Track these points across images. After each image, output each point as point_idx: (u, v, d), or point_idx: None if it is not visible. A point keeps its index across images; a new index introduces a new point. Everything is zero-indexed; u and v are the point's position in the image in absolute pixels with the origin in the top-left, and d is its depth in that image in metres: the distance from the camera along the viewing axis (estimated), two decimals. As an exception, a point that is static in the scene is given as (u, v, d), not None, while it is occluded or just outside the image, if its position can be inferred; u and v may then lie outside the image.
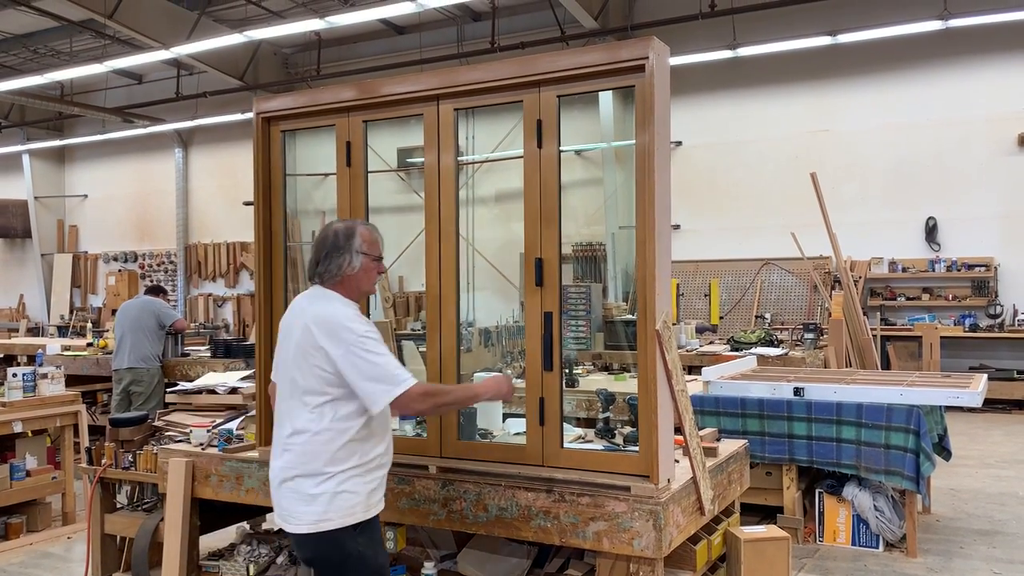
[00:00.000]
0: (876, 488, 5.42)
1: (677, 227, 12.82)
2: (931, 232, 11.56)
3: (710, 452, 3.72)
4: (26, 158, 18.94)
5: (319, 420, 2.87)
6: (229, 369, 6.94)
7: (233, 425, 4.41)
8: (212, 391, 4.92)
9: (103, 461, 4.57)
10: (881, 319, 11.53)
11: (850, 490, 5.42)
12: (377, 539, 3.04)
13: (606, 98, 12.35)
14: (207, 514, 4.21)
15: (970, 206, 11.34)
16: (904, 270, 11.67)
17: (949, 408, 5.91)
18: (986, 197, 11.26)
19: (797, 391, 5.50)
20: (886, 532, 5.33)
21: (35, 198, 19.18)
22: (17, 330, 16.38)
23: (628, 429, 4.06)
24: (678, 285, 10.08)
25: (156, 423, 4.78)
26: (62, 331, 14.98)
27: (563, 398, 3.42)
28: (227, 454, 4.01)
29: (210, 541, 4.70)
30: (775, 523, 5.56)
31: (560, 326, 3.40)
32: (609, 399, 4.23)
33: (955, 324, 11.31)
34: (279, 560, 4.17)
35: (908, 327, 11.42)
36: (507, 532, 3.34)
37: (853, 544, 5.43)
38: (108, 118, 16.35)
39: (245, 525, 4.94)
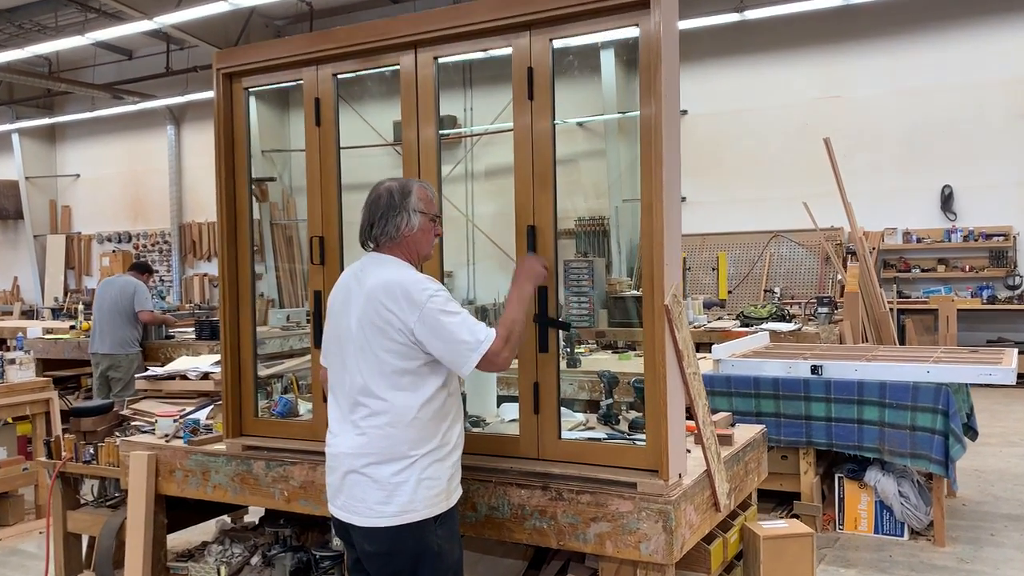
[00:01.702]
0: (900, 472, 5.05)
1: (683, 199, 12.36)
2: (947, 201, 11.13)
3: (725, 440, 3.35)
4: (16, 137, 18.52)
5: (399, 397, 2.59)
6: (215, 352, 6.57)
7: (202, 415, 4.05)
8: (184, 377, 4.55)
9: (63, 454, 4.21)
10: (895, 292, 11.13)
11: (872, 475, 5.05)
12: (455, 532, 2.73)
13: (608, 66, 11.90)
14: (181, 509, 3.87)
15: (987, 173, 10.89)
16: (919, 240, 11.25)
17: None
18: (1004, 164, 10.81)
19: (815, 369, 5.12)
20: (912, 520, 4.97)
21: (26, 178, 18.78)
22: (11, 313, 16.07)
23: (633, 414, 3.69)
24: (685, 259, 9.67)
25: (123, 412, 4.42)
26: (56, 313, 14.66)
27: (560, 383, 3.05)
28: (192, 447, 3.65)
29: (192, 535, 4.38)
30: (791, 510, 5.21)
31: (557, 301, 3.02)
32: (612, 381, 3.86)
33: (972, 296, 10.91)
34: (253, 561, 3.82)
35: (923, 300, 11.02)
36: (498, 534, 2.98)
37: (876, 532, 5.07)
38: (97, 95, 15.93)
39: (226, 519, 4.61)
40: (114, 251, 18.13)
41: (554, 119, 2.99)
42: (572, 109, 11.90)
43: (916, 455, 4.83)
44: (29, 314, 15.99)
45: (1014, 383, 4.80)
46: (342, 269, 3.34)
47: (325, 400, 2.96)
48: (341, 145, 3.41)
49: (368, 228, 2.76)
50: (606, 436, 3.39)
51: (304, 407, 3.97)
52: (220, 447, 3.60)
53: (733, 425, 3.72)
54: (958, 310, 10.54)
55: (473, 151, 12.54)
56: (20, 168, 18.73)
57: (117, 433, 4.20)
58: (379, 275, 2.65)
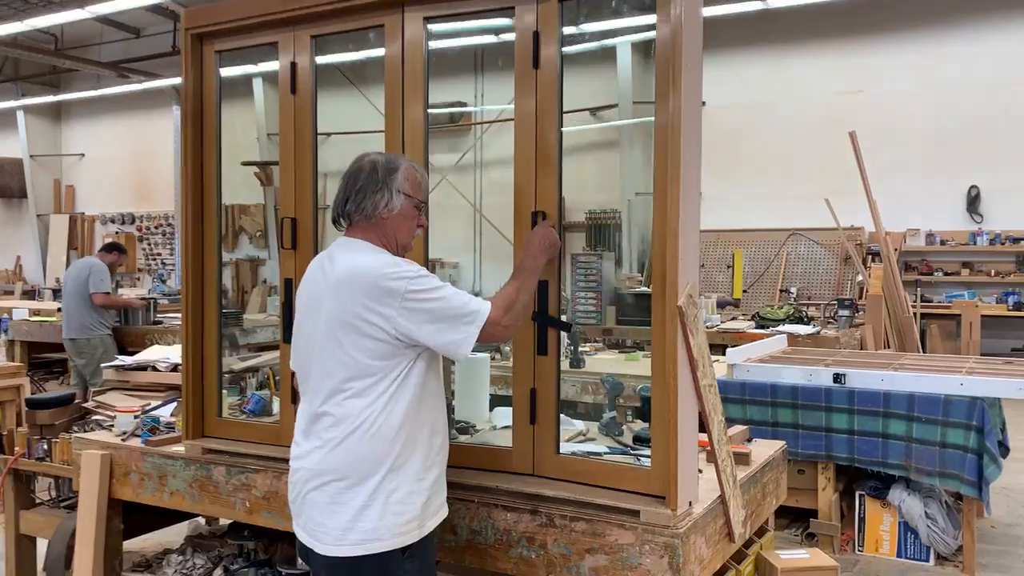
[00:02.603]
0: (927, 492, 4.66)
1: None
2: (973, 202, 10.66)
3: (742, 459, 2.97)
4: (20, 115, 18.22)
5: (368, 406, 2.23)
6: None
7: (166, 411, 3.71)
8: (154, 368, 4.21)
9: (16, 449, 3.87)
10: (917, 295, 10.69)
11: (897, 494, 4.67)
12: (429, 566, 2.38)
13: (624, 55, 11.49)
14: (152, 511, 3.51)
15: (1017, 175, 10.41)
16: (942, 243, 10.79)
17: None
18: (1035, 165, 10.34)
19: (837, 378, 4.73)
20: (939, 544, 4.58)
21: (31, 156, 18.49)
22: (12, 292, 15.82)
23: (639, 424, 3.33)
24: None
25: (86, 404, 4.07)
26: (56, 294, 14.41)
27: (560, 389, 2.68)
28: (149, 447, 3.30)
29: (168, 537, 4.05)
30: (807, 528, 4.84)
31: (559, 299, 2.66)
32: (616, 389, 3.49)
33: (997, 302, 10.46)
34: (215, 574, 3.47)
35: (946, 304, 10.57)
36: (480, 562, 2.61)
37: (899, 556, 4.69)
38: (103, 73, 15.61)
39: (200, 520, 4.27)
40: (117, 232, 17.83)
41: (561, 93, 2.62)
42: (586, 97, 11.52)
43: (946, 474, 4.44)
44: (31, 294, 15.72)
45: (1056, 400, 4.39)
46: (315, 252, 2.98)
47: (295, 402, 2.62)
48: (344, 129, 3.07)
49: (342, 203, 2.39)
50: (607, 450, 3.03)
51: (278, 404, 3.62)
52: (179, 449, 3.25)
53: (750, 440, 3.35)
54: (982, 316, 10.10)
55: (483, 139, 12.18)
56: (25, 146, 18.44)
57: (76, 428, 3.86)
58: (346, 264, 2.28)
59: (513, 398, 2.71)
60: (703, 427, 2.58)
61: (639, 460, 2.77)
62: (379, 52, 2.89)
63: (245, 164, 14.98)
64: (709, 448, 2.56)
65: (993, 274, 10.55)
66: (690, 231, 2.39)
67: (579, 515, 2.44)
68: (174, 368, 4.11)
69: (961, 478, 4.39)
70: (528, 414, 2.65)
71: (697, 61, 2.45)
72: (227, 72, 3.42)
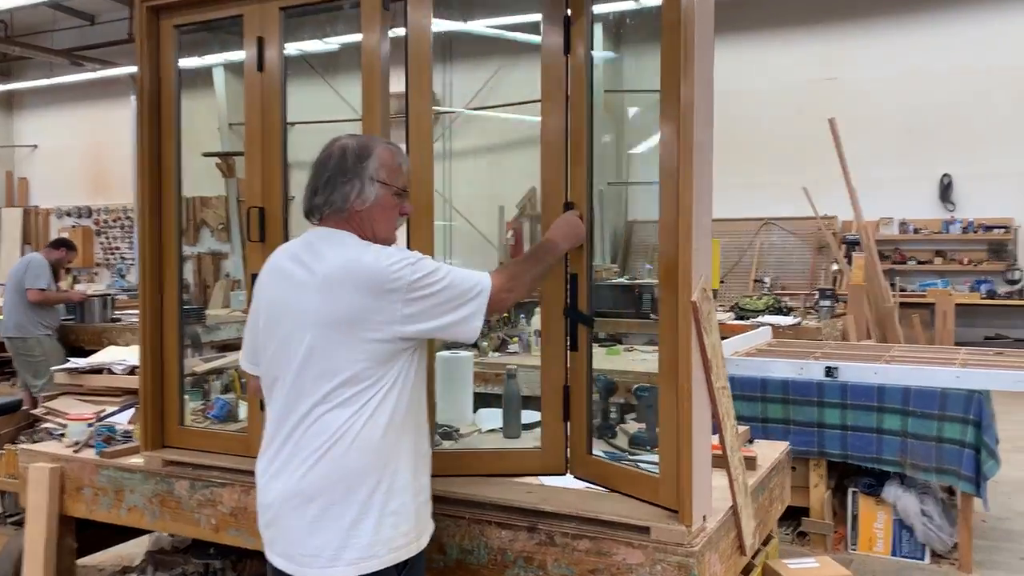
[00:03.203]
0: (922, 488, 4.52)
1: (670, 183, 11.82)
2: (945, 190, 10.62)
3: (749, 464, 2.78)
4: (-30, 105, 17.60)
5: (354, 413, 1.99)
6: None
7: (124, 417, 3.43)
8: (110, 370, 3.92)
9: (-42, 462, 3.56)
10: (892, 285, 10.62)
11: (892, 491, 4.51)
12: None
13: (595, 40, 11.28)
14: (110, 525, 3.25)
15: (989, 163, 10.38)
16: (916, 231, 10.74)
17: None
18: (1007, 154, 10.29)
19: (829, 371, 4.57)
20: (935, 542, 4.43)
21: (-20, 148, 17.87)
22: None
23: (635, 427, 3.12)
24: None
25: (35, 412, 3.78)
26: (9, 291, 13.91)
27: (592, 388, 2.56)
28: (104, 459, 3.02)
29: (125, 551, 3.78)
30: (799, 526, 4.68)
31: (590, 294, 2.51)
32: (609, 387, 3.28)
33: (970, 290, 10.44)
34: (178, 594, 3.21)
35: (920, 293, 10.52)
36: (472, 584, 2.39)
37: (893, 554, 4.54)
38: (56, 61, 15.06)
39: (163, 533, 4.00)
40: (74, 226, 17.26)
41: (591, 73, 2.47)
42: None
43: (943, 470, 4.30)
44: (-18, 291, 15.20)
45: (1055, 392, 4.27)
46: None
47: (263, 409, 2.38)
48: (312, 119, 2.84)
49: (311, 194, 2.14)
50: (603, 455, 2.82)
51: (245, 409, 3.37)
52: (138, 461, 2.98)
53: (751, 441, 3.16)
54: (956, 305, 10.05)
55: (451, 129, 11.91)
56: (-26, 137, 17.82)
57: (23, 438, 3.56)
58: (338, 258, 2.03)
59: (542, 395, 2.60)
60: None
61: (638, 467, 2.57)
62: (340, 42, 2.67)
63: (206, 155, 14.57)
64: (723, 455, 2.35)
65: (966, 262, 10.52)
66: (704, 219, 2.18)
67: (582, 532, 2.22)
68: (132, 371, 3.82)
69: (958, 474, 4.25)
70: (562, 412, 2.55)
71: (709, 40, 2.26)
72: (187, 63, 3.16)
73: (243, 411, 3.38)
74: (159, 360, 2.98)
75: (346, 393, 1.99)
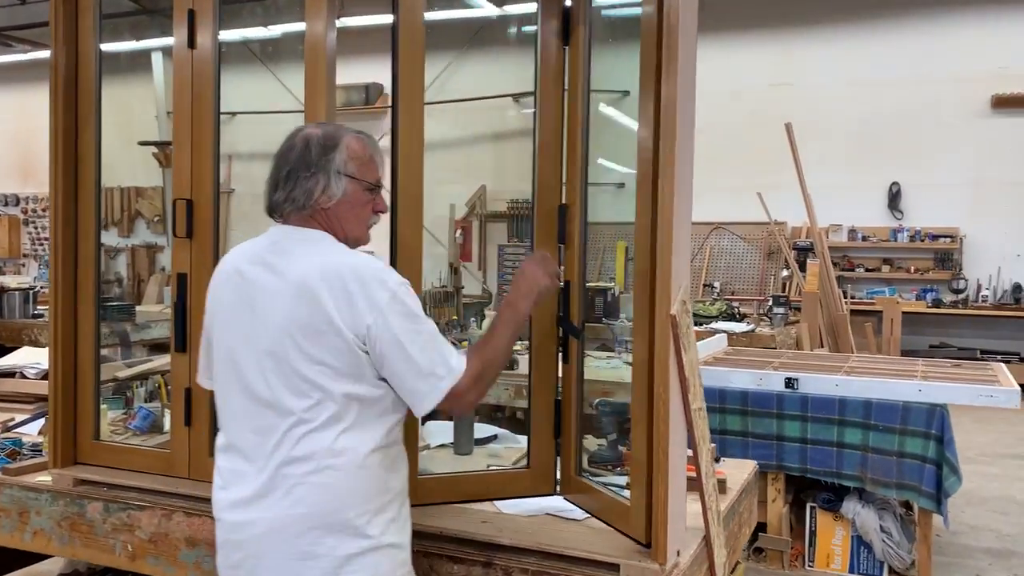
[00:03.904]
0: (882, 504, 4.41)
1: (622, 185, 11.69)
2: (894, 199, 10.68)
3: (719, 487, 2.58)
4: None
5: (339, 434, 1.76)
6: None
7: (35, 427, 3.11)
8: (22, 375, 3.58)
9: None
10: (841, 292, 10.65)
11: (851, 506, 4.39)
12: None
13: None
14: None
15: (937, 172, 10.46)
16: (864, 239, 10.79)
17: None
18: (954, 163, 10.39)
19: (789, 383, 4.42)
20: (893, 559, 4.32)
21: (-99, 131, 16.96)
22: None
23: (596, 444, 2.92)
24: (626, 249, 8.96)
25: (-64, 418, 3.42)
26: (-70, 281, 13.20)
27: (583, 401, 2.39)
28: (7, 477, 2.71)
29: (37, 569, 3.44)
30: (755, 542, 4.53)
31: (581, 301, 2.36)
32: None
33: (916, 299, 10.51)
34: (92, 625, 2.91)
35: (868, 300, 10.57)
36: (419, 626, 2.15)
37: (850, 572, 4.42)
38: (-18, 41, 14.38)
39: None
40: (0, 215, 16.52)
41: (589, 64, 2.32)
42: (506, 82, 11.11)
43: (903, 485, 4.19)
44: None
45: (1018, 406, 4.18)
46: (218, 246, 2.46)
47: (190, 424, 2.13)
48: (253, 109, 2.56)
49: (272, 190, 1.89)
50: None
51: (171, 424, 3.08)
52: (45, 479, 2.67)
53: (718, 460, 2.97)
54: (903, 313, 10.11)
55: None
56: None
57: (-80, 448, 3.20)
58: (314, 260, 1.78)
59: (532, 411, 2.42)
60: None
61: (607, 490, 2.36)
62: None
63: (142, 144, 14.02)
64: (696, 477, 2.15)
65: (912, 271, 10.60)
66: (684, 225, 1.98)
67: (543, 569, 2.00)
68: (45, 375, 3.48)
69: (919, 490, 4.14)
70: (552, 428, 2.38)
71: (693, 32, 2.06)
72: (123, 47, 2.87)
73: (169, 422, 3.09)
74: (72, 364, 2.67)
75: (331, 409, 1.75)
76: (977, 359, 9.77)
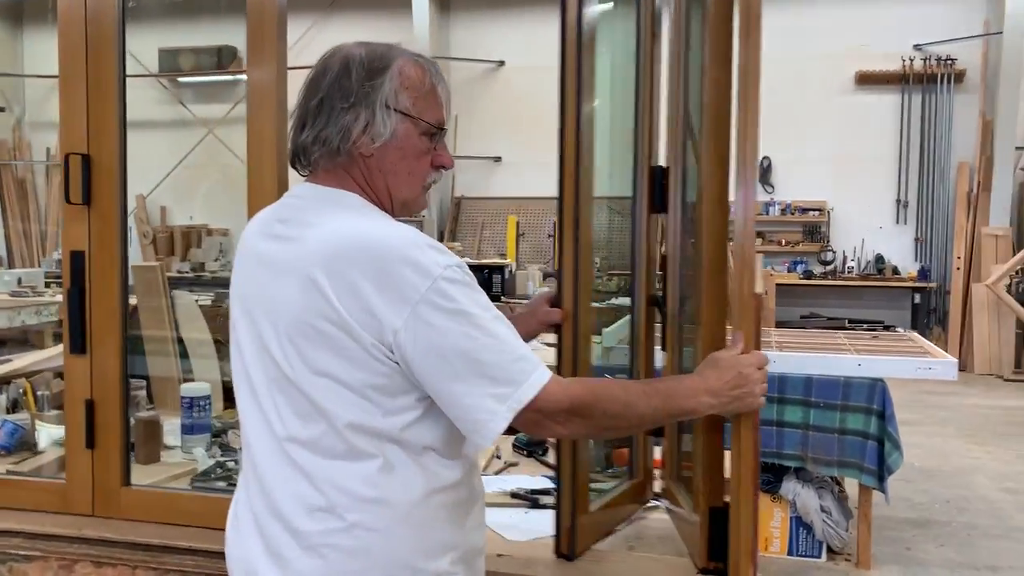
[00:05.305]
0: (820, 483, 4.28)
1: (499, 159, 11.37)
2: (765, 173, 10.88)
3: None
4: None
5: (387, 473, 1.26)
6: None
7: None
8: None
9: None
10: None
11: (791, 487, 4.23)
12: None
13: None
14: None
15: (805, 147, 10.72)
16: (737, 213, 10.93)
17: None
18: (821, 138, 10.68)
19: (726, 361, 4.20)
20: (833, 538, 4.21)
21: None
22: None
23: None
24: (517, 223, 8.63)
25: None
26: None
27: None
28: None
29: None
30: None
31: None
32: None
33: (788, 271, 10.77)
34: None
35: (743, 274, 10.73)
36: None
37: (790, 554, 4.27)
38: None
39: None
40: None
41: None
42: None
43: (844, 463, 4.06)
44: None
45: (955, 378, 4.13)
46: (124, 211, 1.90)
47: (92, 446, 1.59)
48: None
49: (297, 130, 1.36)
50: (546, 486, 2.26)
51: (48, 436, 2.51)
52: None
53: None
54: (776, 284, 10.33)
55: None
56: None
57: None
58: (328, 228, 1.28)
59: None
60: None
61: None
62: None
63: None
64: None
65: (784, 243, 10.84)
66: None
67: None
68: None
69: (861, 467, 4.02)
70: None
71: None
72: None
73: (44, 438, 2.49)
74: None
75: (359, 438, 1.26)
76: (846, 328, 10.12)
